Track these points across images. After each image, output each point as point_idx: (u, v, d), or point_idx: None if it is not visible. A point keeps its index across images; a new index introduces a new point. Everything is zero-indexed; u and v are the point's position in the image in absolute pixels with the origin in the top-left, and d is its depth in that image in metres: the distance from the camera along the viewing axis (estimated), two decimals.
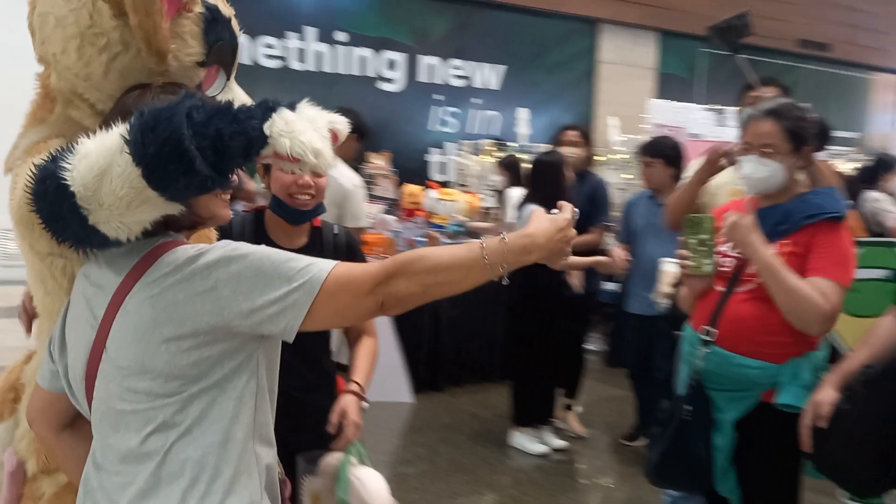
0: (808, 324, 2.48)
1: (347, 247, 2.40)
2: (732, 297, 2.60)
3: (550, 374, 4.52)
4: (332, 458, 2.03)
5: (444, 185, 7.41)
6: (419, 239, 5.68)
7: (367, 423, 5.20)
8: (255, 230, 2.29)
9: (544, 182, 4.44)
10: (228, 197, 1.52)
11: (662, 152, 4.46)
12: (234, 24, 1.75)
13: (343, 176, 4.54)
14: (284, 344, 1.87)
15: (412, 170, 8.59)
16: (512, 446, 4.70)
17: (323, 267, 1.37)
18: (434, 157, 9.76)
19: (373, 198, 6.73)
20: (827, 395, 2.42)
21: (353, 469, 1.98)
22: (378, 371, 5.26)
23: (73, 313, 1.44)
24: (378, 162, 6.62)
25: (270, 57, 9.29)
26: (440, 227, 5.66)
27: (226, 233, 2.13)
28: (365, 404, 2.21)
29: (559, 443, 4.71)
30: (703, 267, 2.61)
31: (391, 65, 9.98)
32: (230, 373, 1.38)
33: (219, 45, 1.67)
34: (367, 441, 4.89)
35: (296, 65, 9.44)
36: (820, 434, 2.41)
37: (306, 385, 2.30)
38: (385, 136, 9.87)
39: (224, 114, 1.28)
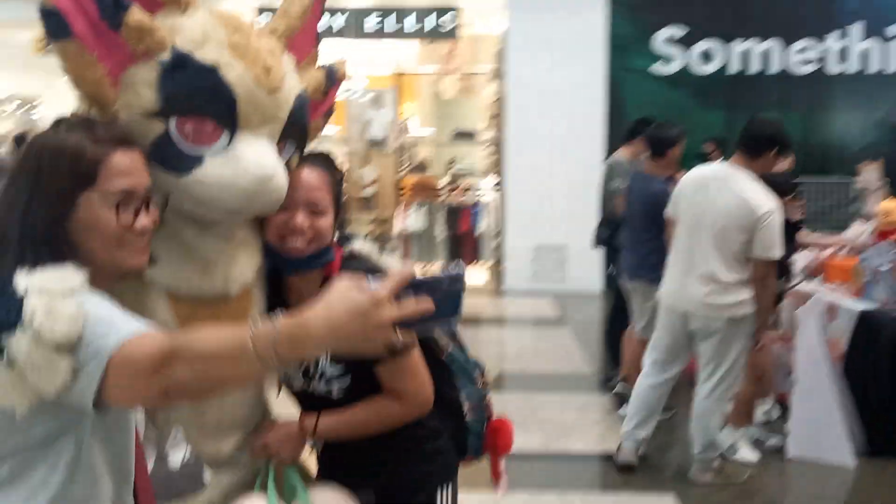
0: None
1: None
2: None
3: None
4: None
5: None
6: (884, 268, 4.60)
7: (795, 486, 4.47)
8: (273, 287, 1.87)
9: None
10: (143, 244, 1.39)
11: None
12: (244, 73, 1.55)
13: (755, 198, 3.95)
14: None
15: None
16: None
17: (121, 333, 1.19)
18: None
19: (859, 216, 5.69)
20: None
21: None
22: (812, 425, 4.47)
23: None
24: (868, 173, 5.53)
25: (804, 62, 8.47)
26: None
27: None
28: (308, 443, 1.87)
29: None
30: None
31: None
32: (50, 435, 1.28)
33: (182, 94, 1.53)
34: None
35: (834, 68, 8.43)
36: None
37: (354, 453, 1.92)
38: None
39: None
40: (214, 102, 1.55)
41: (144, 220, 1.38)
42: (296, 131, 1.71)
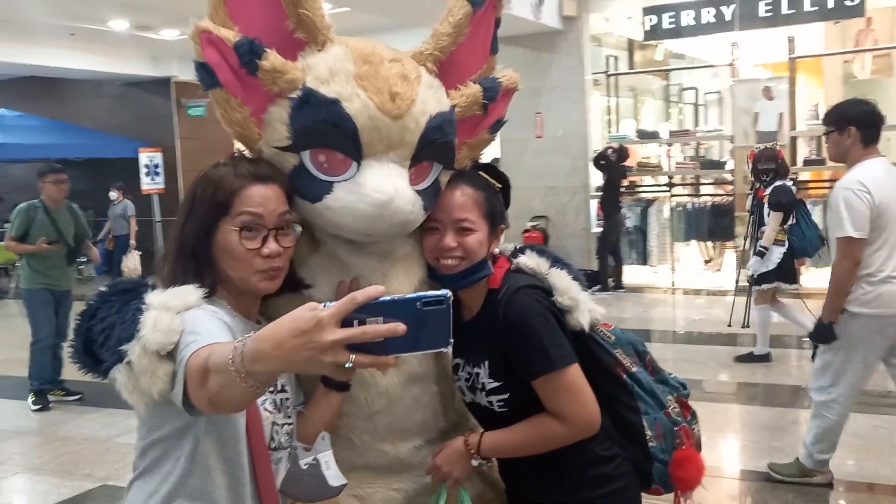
0: None
1: (508, 319, 1.79)
2: None
3: None
4: None
5: None
6: None
7: None
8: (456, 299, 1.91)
9: None
10: (271, 268, 1.53)
11: None
12: (367, 101, 1.62)
13: None
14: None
15: None
16: None
17: (198, 345, 1.29)
18: None
19: None
20: None
21: None
22: None
23: None
24: None
25: None
26: None
27: None
28: (475, 462, 1.82)
29: None
30: None
31: None
32: (177, 431, 1.45)
33: (309, 128, 1.63)
34: None
35: None
36: None
37: (519, 474, 1.91)
38: None
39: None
40: (337, 132, 1.63)
41: (272, 246, 1.52)
42: (436, 151, 1.74)
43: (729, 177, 10.12)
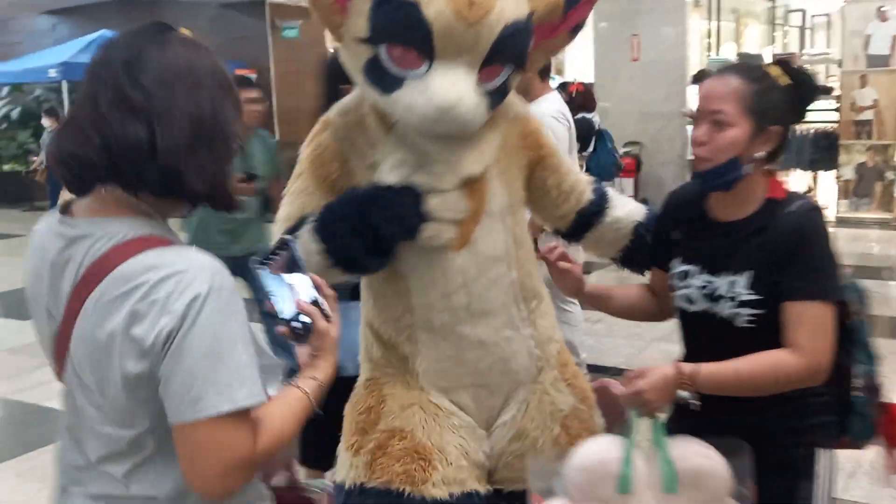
0: None
1: (804, 233, 1.68)
2: None
3: None
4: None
5: None
6: None
7: None
8: (699, 196, 1.83)
9: None
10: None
11: None
12: (444, 7, 1.63)
13: None
14: None
15: None
16: None
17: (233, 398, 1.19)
18: None
19: None
20: None
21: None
22: None
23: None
24: None
25: None
26: None
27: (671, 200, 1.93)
28: (685, 394, 1.66)
29: None
30: None
31: None
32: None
33: (387, 26, 1.68)
34: None
35: None
36: None
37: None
38: None
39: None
40: (413, 34, 1.67)
41: None
42: (509, 56, 1.77)
43: (835, 103, 9.41)
